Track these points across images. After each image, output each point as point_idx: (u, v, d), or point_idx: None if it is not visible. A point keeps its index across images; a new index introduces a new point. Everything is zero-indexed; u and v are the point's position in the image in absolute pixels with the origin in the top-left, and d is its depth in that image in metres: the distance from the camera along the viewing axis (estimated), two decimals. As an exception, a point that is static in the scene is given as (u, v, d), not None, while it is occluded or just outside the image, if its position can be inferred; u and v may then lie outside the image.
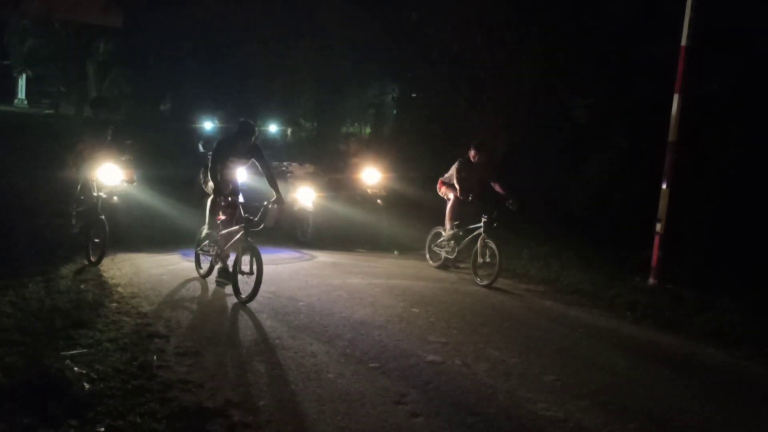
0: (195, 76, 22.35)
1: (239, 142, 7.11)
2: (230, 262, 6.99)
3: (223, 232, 7.08)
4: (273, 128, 16.31)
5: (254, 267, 6.41)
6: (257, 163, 7.19)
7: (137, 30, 23.41)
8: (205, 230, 7.37)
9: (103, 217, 7.76)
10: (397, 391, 4.62)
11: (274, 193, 7.03)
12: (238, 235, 6.83)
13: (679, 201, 8.66)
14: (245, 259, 6.53)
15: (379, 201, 11.04)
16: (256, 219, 6.82)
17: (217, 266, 7.18)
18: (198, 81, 22.18)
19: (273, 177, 7.21)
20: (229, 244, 6.97)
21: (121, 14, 23.50)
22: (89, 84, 26.72)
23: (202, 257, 7.49)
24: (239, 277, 6.55)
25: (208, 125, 16.40)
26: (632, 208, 10.55)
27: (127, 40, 24.54)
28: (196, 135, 15.67)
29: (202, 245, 7.43)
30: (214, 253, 7.20)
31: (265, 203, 7.11)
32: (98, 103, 8.79)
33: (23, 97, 30.12)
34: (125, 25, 23.94)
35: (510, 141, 13.63)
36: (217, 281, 7.09)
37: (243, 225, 6.79)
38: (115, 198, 8.33)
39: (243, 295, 6.47)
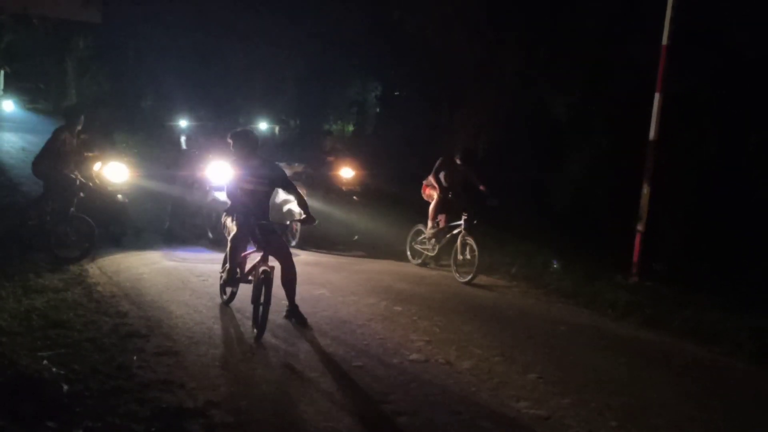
0: (176, 72, 22.14)
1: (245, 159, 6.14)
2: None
3: (244, 255, 6.23)
4: (263, 126, 16.20)
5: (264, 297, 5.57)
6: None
7: (117, 26, 23.16)
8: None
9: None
10: (381, 390, 4.61)
11: (304, 210, 6.20)
12: (255, 261, 5.99)
13: (659, 199, 8.73)
14: (264, 288, 5.61)
15: (355, 198, 11.07)
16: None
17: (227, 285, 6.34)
18: (179, 78, 21.97)
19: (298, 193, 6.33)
20: (247, 269, 6.16)
21: (101, 9, 23.21)
22: (68, 80, 26.43)
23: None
24: (260, 308, 5.58)
25: (193, 123, 16.29)
26: (612, 205, 10.62)
27: (107, 35, 24.27)
28: (178, 131, 15.53)
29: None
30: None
31: (288, 222, 6.72)
32: (72, 113, 8.48)
33: (1, 93, 29.71)
34: (105, 21, 23.67)
35: (491, 138, 13.68)
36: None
37: (262, 250, 5.94)
38: (120, 196, 8.40)
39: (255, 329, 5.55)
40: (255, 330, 5.53)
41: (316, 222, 6.28)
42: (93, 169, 8.65)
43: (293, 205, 6.63)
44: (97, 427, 3.76)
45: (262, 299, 5.54)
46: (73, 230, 7.83)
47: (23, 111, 24.95)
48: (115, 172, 8.83)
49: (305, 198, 6.35)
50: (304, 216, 6.18)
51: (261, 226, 5.97)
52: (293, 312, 6.00)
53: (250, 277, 5.99)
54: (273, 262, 5.89)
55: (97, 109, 9.18)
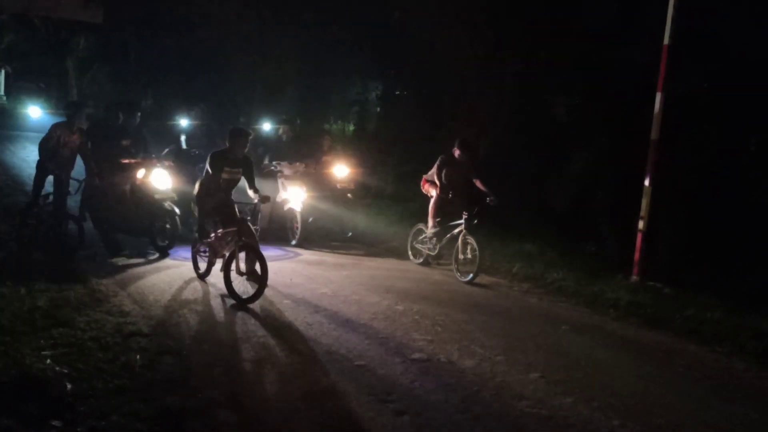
0: (176, 72, 22.16)
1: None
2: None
3: (219, 232, 7.08)
4: (267, 126, 16.22)
5: (257, 267, 6.55)
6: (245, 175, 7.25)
7: (118, 25, 23.18)
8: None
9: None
10: (383, 389, 4.62)
11: (256, 192, 7.17)
12: (230, 238, 6.90)
13: (659, 199, 8.72)
14: (241, 257, 6.65)
15: (349, 195, 11.11)
16: (250, 217, 7.19)
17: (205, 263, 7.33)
18: (179, 77, 22.00)
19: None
20: (224, 244, 7.03)
21: (102, 9, 23.21)
22: (69, 80, 26.48)
23: (199, 258, 7.41)
24: (235, 277, 6.64)
25: (193, 122, 16.26)
26: (614, 205, 10.61)
27: (108, 35, 24.31)
28: (177, 130, 15.51)
29: (198, 246, 7.36)
30: (209, 253, 7.22)
31: (255, 202, 7.36)
32: (69, 109, 8.41)
33: (2, 93, 29.75)
34: (106, 21, 23.68)
35: (492, 139, 13.68)
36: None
37: (238, 225, 6.84)
38: (167, 204, 8.35)
39: (244, 296, 6.52)
40: (241, 297, 6.49)
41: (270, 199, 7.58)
42: (137, 176, 8.53)
43: (251, 191, 7.37)
44: (101, 426, 3.77)
45: (244, 268, 6.65)
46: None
47: (49, 116, 25.05)
48: (159, 179, 8.57)
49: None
50: (263, 195, 7.25)
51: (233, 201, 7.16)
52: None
53: (225, 252, 6.89)
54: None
55: (130, 111, 8.70)
